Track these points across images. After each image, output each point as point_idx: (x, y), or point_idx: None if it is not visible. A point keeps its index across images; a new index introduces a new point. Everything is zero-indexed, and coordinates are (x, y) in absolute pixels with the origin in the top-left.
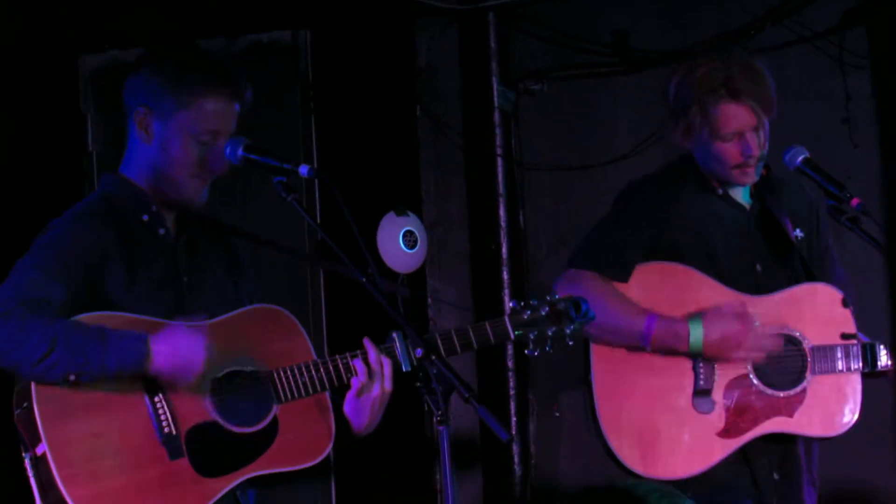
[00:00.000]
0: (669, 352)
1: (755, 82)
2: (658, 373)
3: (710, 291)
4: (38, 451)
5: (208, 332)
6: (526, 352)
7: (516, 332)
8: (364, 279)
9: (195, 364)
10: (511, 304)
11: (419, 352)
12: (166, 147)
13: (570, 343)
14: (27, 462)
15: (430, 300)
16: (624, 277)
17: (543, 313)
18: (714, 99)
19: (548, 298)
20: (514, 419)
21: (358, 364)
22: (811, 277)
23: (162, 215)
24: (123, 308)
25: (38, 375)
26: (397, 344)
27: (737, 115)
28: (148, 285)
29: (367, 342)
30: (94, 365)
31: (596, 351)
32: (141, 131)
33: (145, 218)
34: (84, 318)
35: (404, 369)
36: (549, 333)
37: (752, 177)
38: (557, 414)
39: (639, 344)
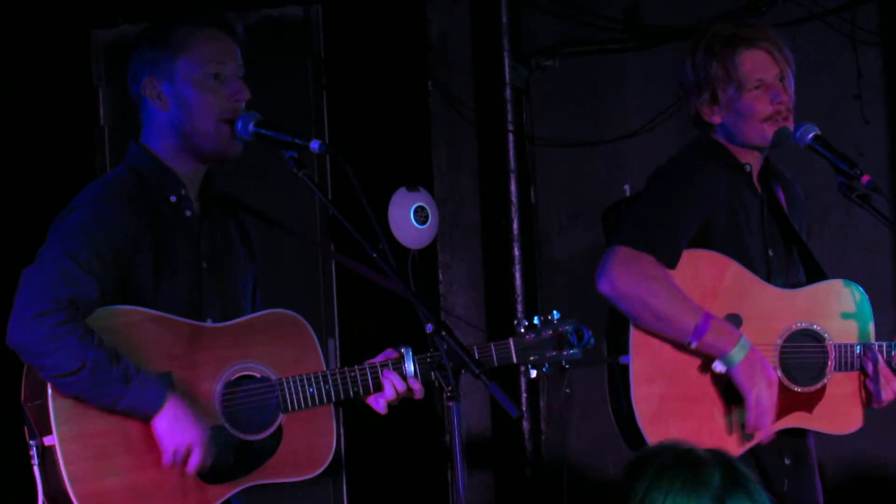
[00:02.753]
0: (711, 353)
1: (768, 33)
2: (693, 361)
3: (746, 284)
4: (47, 441)
5: (226, 341)
6: (526, 373)
7: (518, 357)
8: (375, 254)
9: (179, 445)
10: (515, 324)
11: (429, 327)
12: (183, 100)
13: (567, 366)
14: (32, 449)
15: (441, 276)
16: (674, 263)
17: (545, 336)
18: (731, 50)
19: (551, 320)
20: (524, 395)
21: (385, 379)
22: (813, 268)
23: (189, 197)
24: (146, 292)
25: (54, 384)
26: (406, 363)
27: (758, 61)
28: (171, 270)
29: (398, 381)
30: (107, 401)
31: (636, 335)
32: (154, 100)
33: (173, 199)
34: (108, 311)
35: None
36: (548, 356)
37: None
38: (568, 391)
39: (685, 339)
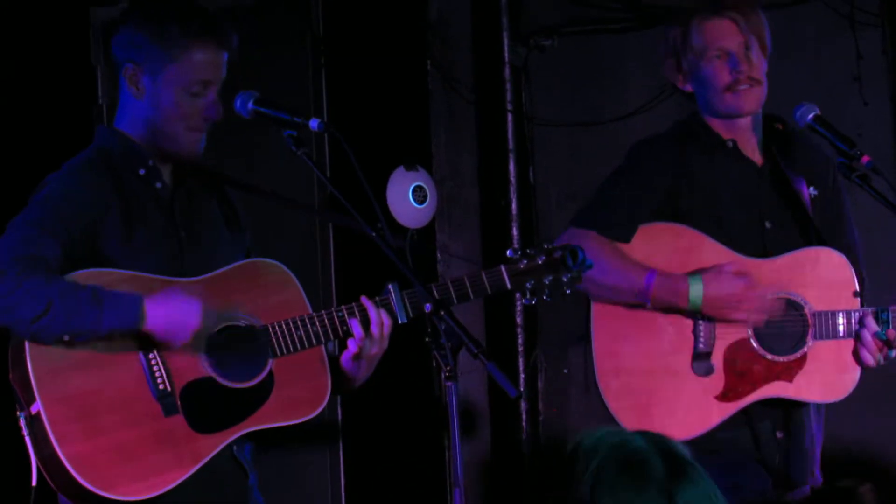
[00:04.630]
0: (670, 309)
1: (737, 2)
2: (658, 335)
3: (713, 253)
4: (33, 409)
5: (204, 293)
6: (523, 301)
7: (512, 283)
8: (374, 234)
9: (188, 326)
10: (508, 254)
11: (428, 307)
12: (158, 102)
13: (568, 292)
14: (22, 421)
15: (439, 255)
16: (626, 237)
17: (540, 262)
18: (697, 20)
19: (545, 247)
20: (522, 375)
21: (355, 326)
22: (821, 238)
23: (158, 169)
24: (120, 264)
25: (33, 335)
26: (393, 296)
27: (719, 30)
28: (145, 240)
29: (367, 304)
30: (89, 326)
31: (596, 310)
32: (131, 87)
33: (142, 172)
34: (79, 274)
35: (400, 321)
36: (546, 282)
37: (751, 102)
38: (566, 371)
39: (639, 301)
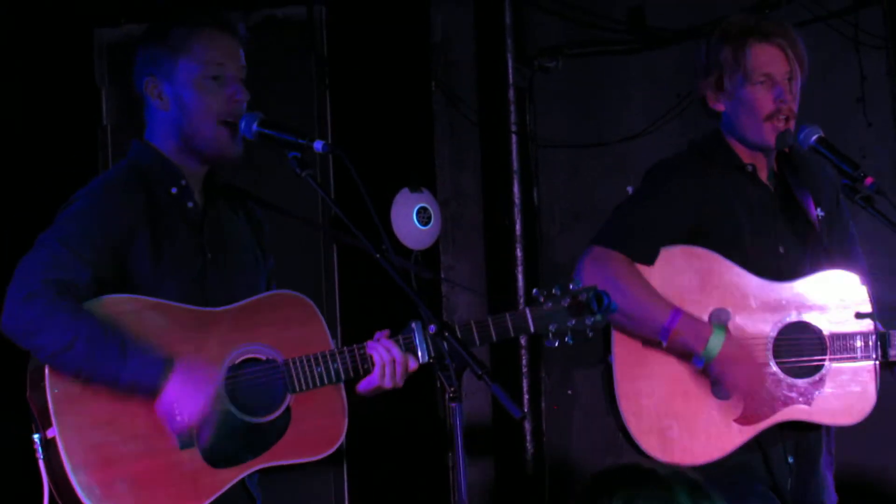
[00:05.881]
0: (683, 350)
1: (786, 30)
2: (678, 359)
3: (734, 277)
4: (49, 434)
5: (228, 324)
6: (546, 343)
7: (535, 325)
8: (378, 255)
9: (193, 411)
10: (533, 293)
11: (432, 328)
12: (183, 102)
13: (591, 335)
14: (37, 443)
15: (443, 274)
16: (650, 260)
17: (564, 305)
18: (745, 39)
19: (570, 288)
20: (526, 396)
21: (378, 364)
22: (832, 260)
23: (191, 188)
24: (146, 283)
25: (53, 365)
26: (416, 335)
27: (769, 56)
28: (172, 261)
29: (390, 344)
30: (107, 377)
31: (617, 334)
32: (155, 100)
33: (174, 191)
34: (107, 300)
35: (421, 361)
36: (569, 325)
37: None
38: (570, 391)
39: (656, 337)
